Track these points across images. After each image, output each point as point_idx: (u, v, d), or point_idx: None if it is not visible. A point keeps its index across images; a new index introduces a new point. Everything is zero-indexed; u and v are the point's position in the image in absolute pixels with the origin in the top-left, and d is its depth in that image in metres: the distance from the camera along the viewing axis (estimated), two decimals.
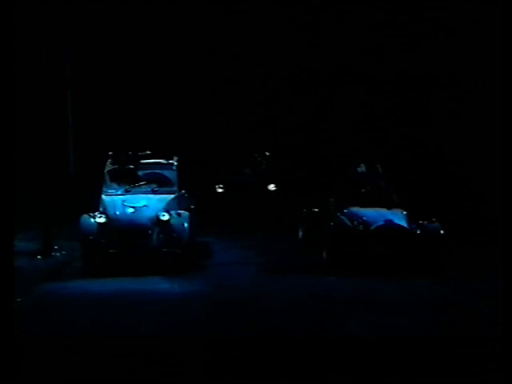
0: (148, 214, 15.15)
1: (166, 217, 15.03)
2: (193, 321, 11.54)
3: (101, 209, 15.43)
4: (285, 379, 9.23)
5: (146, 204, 15.39)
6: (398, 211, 15.66)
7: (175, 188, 16.30)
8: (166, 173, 16.53)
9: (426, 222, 15.52)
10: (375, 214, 15.49)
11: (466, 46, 21.91)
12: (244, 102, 24.27)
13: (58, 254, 16.50)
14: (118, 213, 15.18)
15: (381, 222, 15.19)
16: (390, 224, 15.17)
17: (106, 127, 22.75)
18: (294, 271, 15.24)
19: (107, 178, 16.24)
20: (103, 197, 15.80)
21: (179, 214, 15.35)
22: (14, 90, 8.54)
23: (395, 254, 15.11)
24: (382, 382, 9.07)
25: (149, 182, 16.20)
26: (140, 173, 16.41)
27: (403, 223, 15.20)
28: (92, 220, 15.11)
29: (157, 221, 15.04)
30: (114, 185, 16.12)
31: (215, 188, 22.29)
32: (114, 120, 23.06)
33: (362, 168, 17.41)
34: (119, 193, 15.90)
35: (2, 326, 8.11)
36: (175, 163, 16.73)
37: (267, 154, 23.26)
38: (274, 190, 22.45)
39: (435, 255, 15.23)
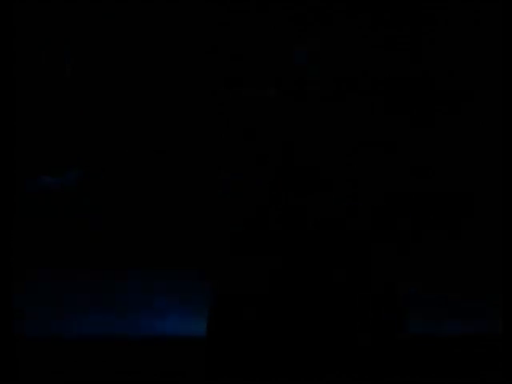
0: None
1: None
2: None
3: None
4: (285, 379, 9.23)
5: None
6: None
7: None
8: None
9: None
10: None
11: (465, 46, 21.94)
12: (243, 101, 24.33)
13: None
14: None
15: None
16: None
17: None
18: None
19: None
20: None
21: None
22: (15, 90, 8.57)
23: None
24: (382, 381, 9.08)
25: None
26: None
27: None
28: None
29: None
30: None
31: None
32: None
33: None
34: None
35: (1, 325, 8.12)
36: None
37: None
38: None
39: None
